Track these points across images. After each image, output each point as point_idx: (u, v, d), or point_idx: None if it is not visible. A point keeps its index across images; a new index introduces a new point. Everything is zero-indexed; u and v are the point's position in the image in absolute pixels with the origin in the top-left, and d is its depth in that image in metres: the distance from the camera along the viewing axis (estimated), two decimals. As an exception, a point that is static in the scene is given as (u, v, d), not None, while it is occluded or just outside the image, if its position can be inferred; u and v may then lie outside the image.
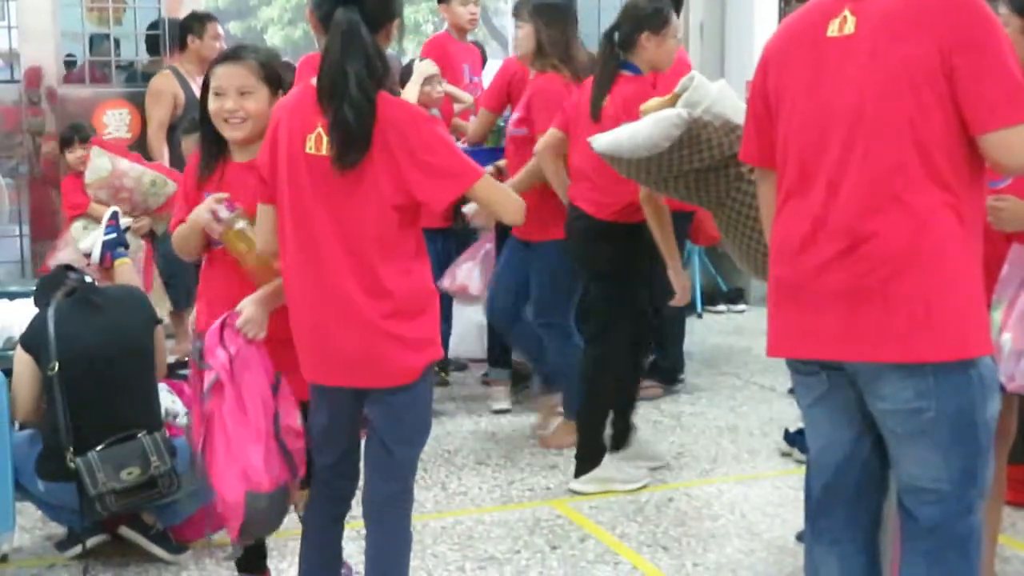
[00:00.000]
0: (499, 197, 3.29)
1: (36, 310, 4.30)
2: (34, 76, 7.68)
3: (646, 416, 6.13)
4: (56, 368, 4.06)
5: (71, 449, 4.01)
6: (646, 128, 4.27)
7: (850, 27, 2.80)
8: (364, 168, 3.13)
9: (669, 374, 6.67)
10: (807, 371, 2.99)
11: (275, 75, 3.57)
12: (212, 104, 3.55)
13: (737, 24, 8.98)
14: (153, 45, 7.91)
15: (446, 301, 6.41)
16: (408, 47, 26.69)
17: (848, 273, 2.77)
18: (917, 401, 2.77)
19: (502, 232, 5.97)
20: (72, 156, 6.52)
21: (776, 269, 2.97)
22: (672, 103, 4.41)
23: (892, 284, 2.73)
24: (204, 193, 3.61)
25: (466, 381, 6.96)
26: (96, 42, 8.02)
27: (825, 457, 3.03)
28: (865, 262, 2.75)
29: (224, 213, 3.50)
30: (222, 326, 3.41)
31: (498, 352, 6.30)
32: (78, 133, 6.60)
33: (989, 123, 2.67)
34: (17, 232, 7.83)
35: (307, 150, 3.18)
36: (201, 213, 3.53)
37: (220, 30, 7.14)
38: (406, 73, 6.61)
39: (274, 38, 27.52)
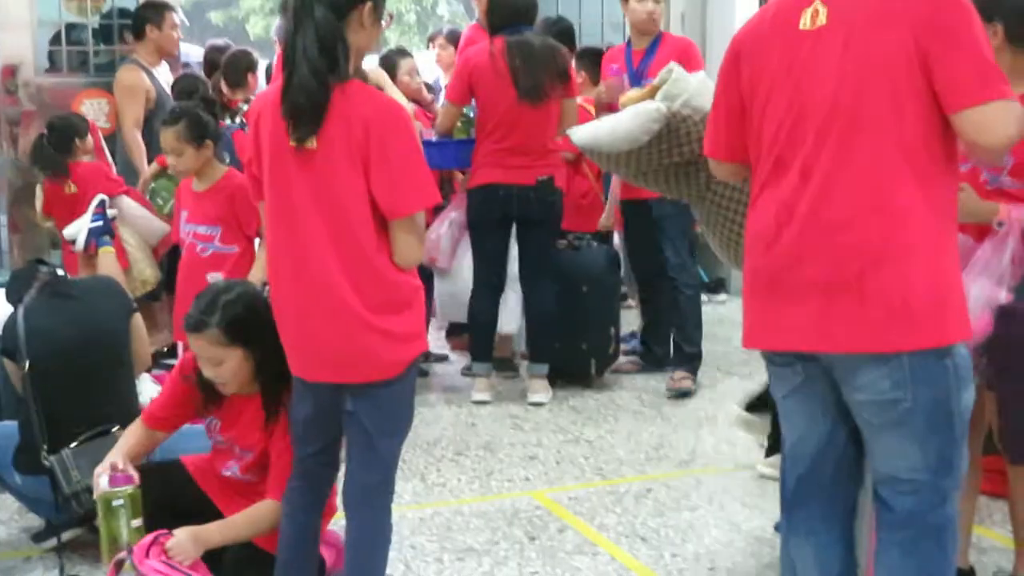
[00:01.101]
0: (418, 234, 3.25)
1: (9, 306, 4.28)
2: (11, 66, 7.63)
3: (627, 407, 6.16)
4: (28, 366, 4.03)
5: (45, 447, 3.99)
6: (625, 122, 4.25)
7: (822, 19, 2.81)
8: (344, 158, 3.12)
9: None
10: (782, 362, 3.00)
11: (242, 331, 3.49)
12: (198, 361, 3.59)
13: (719, 14, 9.00)
14: (107, 34, 7.84)
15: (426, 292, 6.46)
16: (390, 36, 26.78)
17: (824, 265, 2.77)
18: (893, 392, 2.78)
19: None
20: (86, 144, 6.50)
21: (751, 260, 2.97)
22: (651, 95, 4.40)
23: (868, 276, 2.73)
24: (207, 418, 3.74)
25: (447, 372, 6.95)
26: (75, 31, 7.95)
27: (800, 448, 3.04)
28: (841, 254, 2.75)
29: (104, 483, 3.55)
30: (152, 542, 3.45)
31: (480, 344, 6.29)
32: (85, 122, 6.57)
33: (962, 102, 2.68)
34: (-6, 223, 7.81)
35: (291, 142, 3.17)
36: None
37: (178, 20, 7.09)
38: (386, 63, 6.62)
39: (256, 27, 27.46)
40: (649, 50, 6.27)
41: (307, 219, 3.17)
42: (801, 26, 2.83)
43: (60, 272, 4.43)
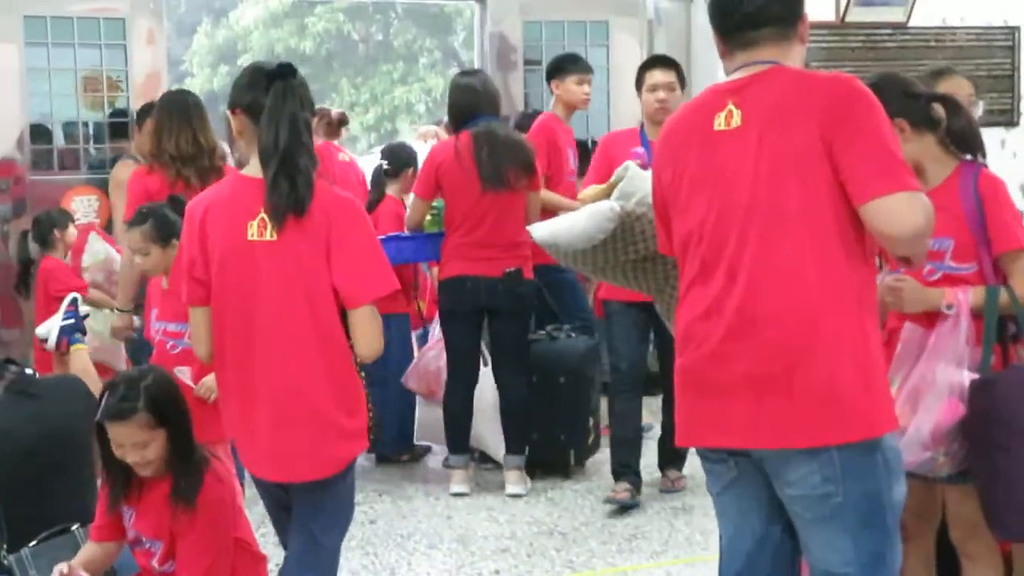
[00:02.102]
0: (377, 324, 3.31)
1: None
2: (2, 165, 7.75)
3: (602, 496, 6.13)
4: None
5: (4, 546, 4.02)
6: (581, 221, 4.30)
7: (736, 120, 2.88)
8: (309, 251, 3.20)
9: None
10: (715, 459, 3.03)
11: (165, 411, 3.55)
12: (116, 451, 3.61)
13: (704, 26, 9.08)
14: (119, 130, 7.98)
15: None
16: (401, 127, 27.10)
17: (751, 361, 2.82)
18: (824, 486, 2.81)
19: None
20: (67, 236, 6.68)
21: (681, 358, 3.01)
22: (608, 192, 4.47)
23: (795, 371, 2.77)
24: (123, 508, 3.75)
25: (427, 464, 6.96)
26: (67, 129, 8.08)
27: (736, 544, 3.07)
28: (767, 350, 2.80)
29: None
30: None
31: (456, 437, 6.30)
32: (67, 216, 6.76)
33: (866, 193, 2.73)
34: (-13, 318, 7.87)
35: (249, 237, 3.23)
36: None
37: None
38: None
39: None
40: None
41: (270, 315, 3.23)
42: (716, 127, 2.91)
43: (28, 371, 4.48)
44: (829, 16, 8.81)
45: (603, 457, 6.80)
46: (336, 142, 7.82)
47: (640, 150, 5.76)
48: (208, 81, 28.15)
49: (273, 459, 3.28)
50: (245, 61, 28.30)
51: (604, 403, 6.67)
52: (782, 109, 2.82)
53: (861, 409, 2.78)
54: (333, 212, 3.22)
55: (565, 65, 6.84)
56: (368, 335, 3.24)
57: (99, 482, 4.37)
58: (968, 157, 3.56)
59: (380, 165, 7.00)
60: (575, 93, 6.77)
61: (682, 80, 6.01)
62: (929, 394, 3.35)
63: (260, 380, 3.23)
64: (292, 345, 3.20)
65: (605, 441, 6.59)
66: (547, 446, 6.47)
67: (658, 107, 5.86)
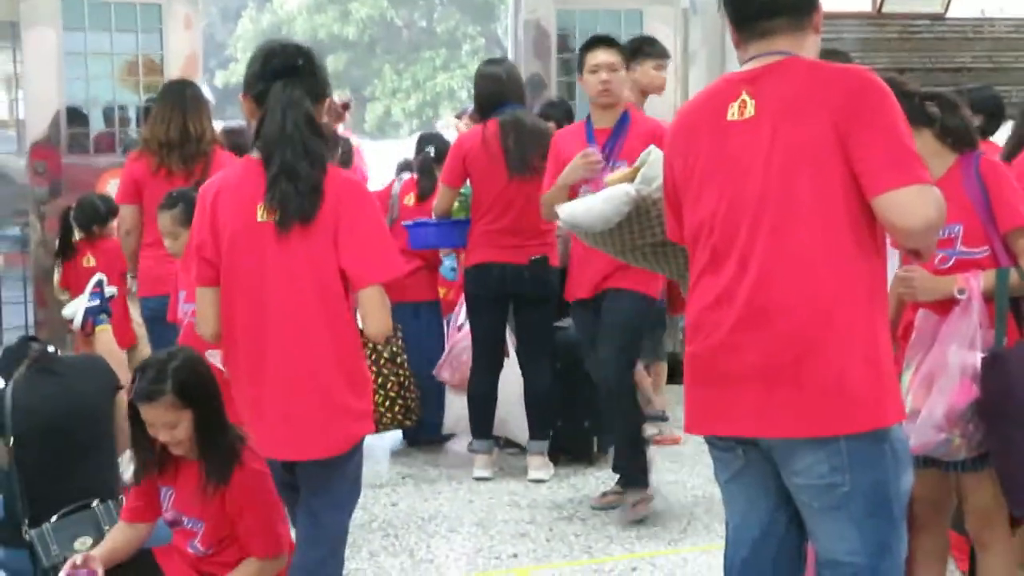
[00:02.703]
0: (386, 305, 3.33)
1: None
2: (39, 147, 7.86)
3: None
4: (12, 443, 4.15)
5: (27, 521, 4.10)
6: (597, 204, 4.33)
7: (750, 110, 2.89)
8: (317, 235, 3.24)
9: None
10: (723, 447, 3.04)
11: (193, 392, 3.61)
12: (150, 430, 3.68)
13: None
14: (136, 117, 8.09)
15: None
16: (443, 113, 27.14)
17: (761, 351, 2.83)
18: (831, 476, 2.82)
19: None
20: (106, 231, 6.87)
21: (691, 347, 3.03)
22: (633, 176, 4.49)
23: (805, 361, 2.79)
24: (159, 487, 3.83)
25: (451, 449, 7.02)
26: (106, 112, 8.18)
27: (743, 532, 3.08)
28: (777, 340, 2.81)
29: None
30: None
31: (480, 421, 6.34)
32: (111, 210, 6.80)
33: (880, 185, 2.74)
34: (23, 299, 8.00)
35: (259, 219, 3.27)
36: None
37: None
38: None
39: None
40: (616, 130, 5.58)
41: (279, 297, 3.26)
42: (729, 117, 2.91)
43: (51, 348, 4.55)
44: (865, 6, 8.76)
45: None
46: (340, 127, 7.87)
47: (592, 149, 5.43)
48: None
49: (282, 438, 3.33)
50: (289, 47, 28.54)
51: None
52: (796, 100, 2.83)
53: (870, 400, 2.79)
54: (341, 195, 3.25)
55: (644, 47, 6.37)
56: (376, 315, 3.28)
57: (120, 459, 4.47)
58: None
59: (427, 152, 7.01)
60: (654, 79, 6.33)
61: (627, 62, 5.69)
62: (943, 377, 3.38)
63: (270, 361, 3.27)
64: (301, 326, 3.24)
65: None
66: (571, 433, 6.51)
67: (601, 89, 5.51)
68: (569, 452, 6.54)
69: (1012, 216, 3.48)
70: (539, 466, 6.26)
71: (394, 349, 6.37)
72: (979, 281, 3.41)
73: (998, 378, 3.34)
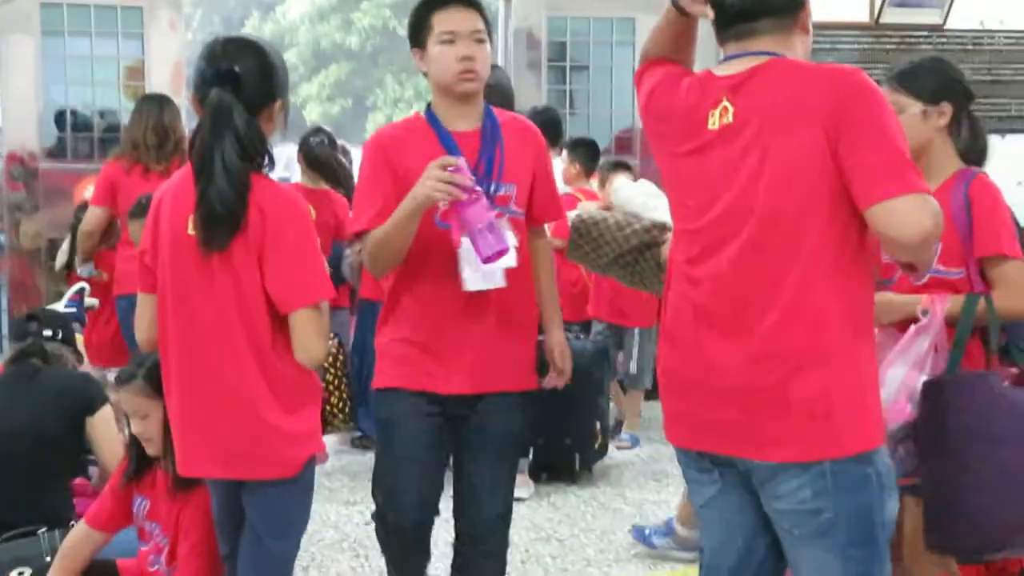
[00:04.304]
0: (320, 330, 3.13)
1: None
2: (16, 153, 7.75)
3: (608, 504, 6.01)
4: None
5: None
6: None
7: (729, 118, 2.71)
8: (241, 251, 3.07)
9: None
10: (699, 468, 2.89)
11: (161, 383, 3.40)
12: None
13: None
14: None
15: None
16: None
17: (742, 371, 2.68)
18: (815, 501, 2.67)
19: None
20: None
21: (665, 361, 2.88)
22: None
23: (789, 384, 2.64)
24: (135, 494, 3.70)
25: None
26: (80, 118, 8.06)
27: (718, 559, 2.94)
28: (760, 361, 2.66)
29: None
30: None
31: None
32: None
33: (872, 195, 2.56)
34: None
35: (189, 231, 3.12)
36: None
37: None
38: None
39: (312, 114, 27.89)
40: (489, 133, 3.53)
41: (204, 311, 3.11)
42: (710, 125, 2.74)
43: (48, 347, 4.36)
44: (863, 16, 8.64)
45: (610, 462, 6.71)
46: None
47: (454, 159, 3.26)
48: (254, 75, 28.24)
49: (204, 456, 3.19)
50: (291, 56, 28.53)
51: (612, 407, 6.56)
52: (782, 107, 2.65)
53: (854, 423, 2.66)
54: (268, 211, 3.07)
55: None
56: (304, 341, 3.09)
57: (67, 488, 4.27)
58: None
59: None
60: None
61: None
62: (881, 393, 3.20)
63: (196, 375, 3.14)
64: (223, 343, 3.09)
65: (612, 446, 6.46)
66: (552, 450, 6.33)
67: (462, 69, 3.45)
68: (551, 470, 6.38)
69: (988, 243, 3.28)
70: (518, 484, 6.08)
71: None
72: (944, 305, 3.23)
73: (933, 406, 3.16)
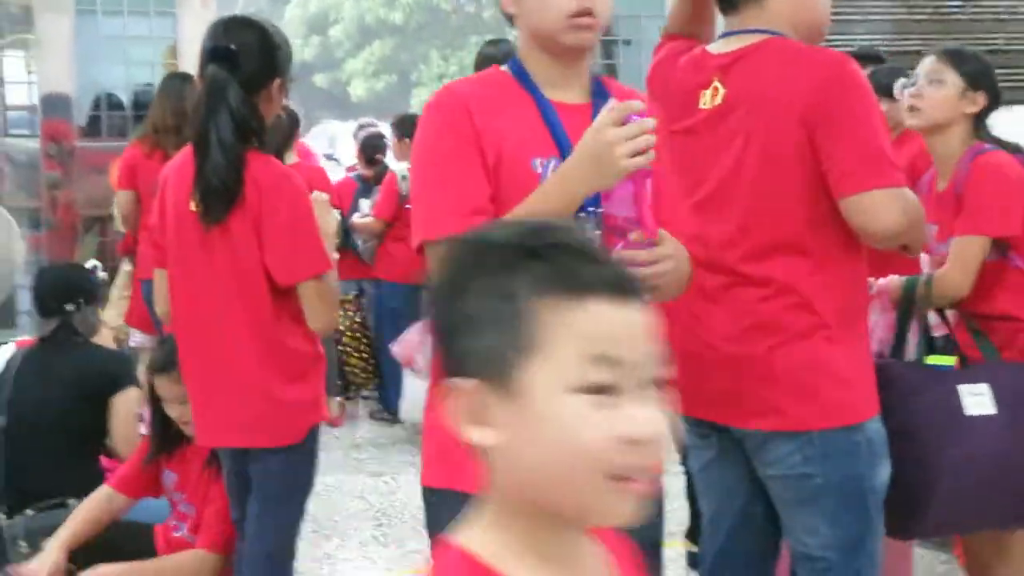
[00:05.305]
0: (326, 301, 3.20)
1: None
2: (52, 131, 7.86)
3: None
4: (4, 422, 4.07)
5: (7, 508, 4.02)
6: None
7: (719, 99, 2.74)
8: (239, 226, 3.14)
9: None
10: (699, 432, 2.93)
11: None
12: (164, 405, 3.60)
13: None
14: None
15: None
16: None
17: (732, 342, 2.73)
18: (804, 467, 2.71)
19: None
20: None
21: (663, 333, 2.91)
22: None
23: (777, 355, 2.68)
24: (164, 468, 3.71)
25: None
26: (114, 97, 8.18)
27: (718, 522, 2.98)
28: (749, 333, 2.70)
29: None
30: None
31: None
32: None
33: (846, 187, 2.60)
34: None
35: (191, 207, 3.19)
36: None
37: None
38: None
39: (358, 90, 27.98)
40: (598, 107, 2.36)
41: (208, 285, 3.19)
42: (701, 104, 2.78)
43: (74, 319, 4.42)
44: (895, -14, 8.58)
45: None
46: None
47: (638, 103, 2.21)
48: (299, 51, 28.31)
49: (208, 424, 3.28)
50: (336, 32, 28.61)
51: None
52: (766, 92, 2.67)
53: (842, 396, 2.69)
54: (263, 186, 3.12)
55: None
56: (313, 312, 3.16)
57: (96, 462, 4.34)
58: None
59: None
60: None
61: None
62: None
63: (200, 346, 3.22)
64: (223, 314, 3.16)
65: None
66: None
67: (576, 13, 2.29)
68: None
69: (968, 222, 3.32)
70: None
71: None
72: (888, 283, 3.25)
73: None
